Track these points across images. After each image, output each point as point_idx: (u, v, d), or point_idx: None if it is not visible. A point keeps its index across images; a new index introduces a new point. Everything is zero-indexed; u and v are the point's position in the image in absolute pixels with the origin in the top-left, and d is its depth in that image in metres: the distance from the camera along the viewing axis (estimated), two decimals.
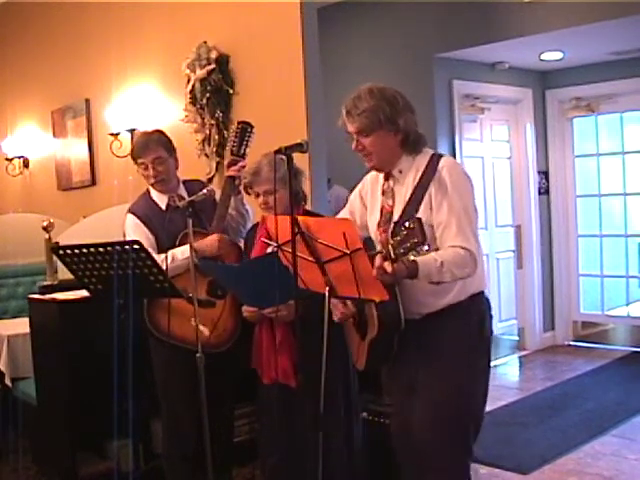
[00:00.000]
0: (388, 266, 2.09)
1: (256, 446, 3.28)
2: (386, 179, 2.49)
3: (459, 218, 2.29)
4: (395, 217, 2.41)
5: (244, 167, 3.11)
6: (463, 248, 2.26)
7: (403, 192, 2.41)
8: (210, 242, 3.02)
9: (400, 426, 2.54)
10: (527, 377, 5.75)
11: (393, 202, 2.44)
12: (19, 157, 6.51)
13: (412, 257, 2.13)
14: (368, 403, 3.23)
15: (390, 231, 2.26)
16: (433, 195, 2.32)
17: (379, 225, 2.48)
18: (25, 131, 6.48)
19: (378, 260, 2.12)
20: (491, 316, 2.50)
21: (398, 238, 2.08)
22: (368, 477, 3.10)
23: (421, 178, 2.35)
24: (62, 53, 5.87)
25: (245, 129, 3.18)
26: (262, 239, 2.73)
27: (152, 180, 3.14)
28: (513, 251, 6.50)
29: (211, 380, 2.78)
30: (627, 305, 6.69)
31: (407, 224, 2.06)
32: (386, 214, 2.46)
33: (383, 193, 2.50)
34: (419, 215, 2.25)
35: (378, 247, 2.49)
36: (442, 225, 2.29)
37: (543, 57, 5.85)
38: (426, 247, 2.06)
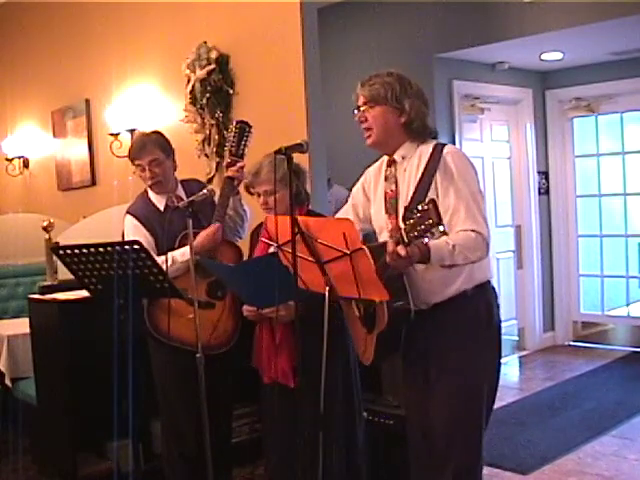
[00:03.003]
0: (402, 250, 2.08)
1: (257, 446, 3.28)
2: (388, 165, 2.50)
3: (467, 202, 2.29)
4: (401, 202, 2.41)
5: (243, 168, 3.10)
6: (473, 231, 2.25)
7: (407, 177, 2.41)
8: (208, 234, 2.99)
9: (416, 424, 2.51)
10: (527, 377, 5.75)
11: (396, 187, 2.44)
12: (19, 157, 6.51)
13: (426, 240, 2.11)
14: (368, 403, 3.23)
15: (401, 216, 2.25)
16: (439, 181, 2.32)
17: (387, 212, 2.47)
18: (25, 131, 6.48)
19: (390, 245, 2.10)
20: (498, 305, 2.48)
21: (411, 221, 2.05)
22: (368, 477, 3.10)
23: (427, 165, 2.35)
24: (62, 53, 5.87)
25: (243, 129, 3.16)
26: (262, 239, 2.73)
27: (149, 182, 3.14)
28: (513, 251, 6.51)
29: (210, 380, 2.78)
30: (627, 305, 6.69)
31: (420, 206, 2.03)
32: (390, 200, 2.46)
33: (386, 179, 2.50)
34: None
35: (387, 236, 2.48)
36: (450, 210, 2.28)
37: (543, 57, 5.85)
38: (442, 227, 2.03)
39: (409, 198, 2.35)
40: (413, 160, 2.42)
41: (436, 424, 2.40)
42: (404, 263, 2.15)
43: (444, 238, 2.19)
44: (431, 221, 2.00)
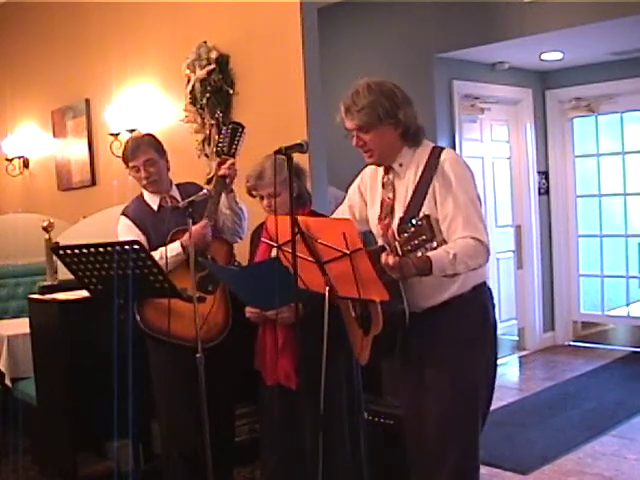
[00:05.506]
0: (390, 259, 2.09)
1: (256, 446, 3.28)
2: (386, 172, 2.48)
3: (466, 210, 2.28)
4: (397, 211, 2.40)
5: (234, 164, 3.11)
6: (473, 238, 2.25)
7: (404, 185, 2.41)
8: (197, 230, 2.97)
9: (412, 425, 2.52)
10: (527, 377, 5.76)
11: (394, 195, 2.44)
12: (19, 157, 6.50)
13: (420, 253, 2.12)
14: (368, 403, 3.23)
15: (396, 227, 2.25)
16: (437, 190, 2.31)
17: (380, 218, 2.47)
18: (25, 131, 6.48)
19: (383, 256, 2.12)
20: (493, 305, 2.48)
21: (405, 235, 2.07)
22: (368, 477, 3.09)
23: (423, 172, 2.35)
24: (62, 53, 5.87)
25: (236, 129, 3.18)
26: (263, 239, 2.73)
27: (144, 182, 3.15)
28: (513, 251, 6.51)
29: (210, 380, 2.78)
30: (627, 305, 6.69)
31: (414, 221, 2.04)
32: (386, 207, 2.45)
33: (383, 186, 2.49)
34: (423, 210, 2.26)
35: (379, 240, 2.48)
36: (448, 218, 2.28)
37: (543, 57, 5.86)
38: (435, 244, 2.06)
39: (404, 207, 2.35)
40: (411, 167, 2.40)
41: (432, 425, 2.40)
42: (397, 274, 2.15)
43: (443, 247, 2.19)
44: (424, 237, 2.03)
